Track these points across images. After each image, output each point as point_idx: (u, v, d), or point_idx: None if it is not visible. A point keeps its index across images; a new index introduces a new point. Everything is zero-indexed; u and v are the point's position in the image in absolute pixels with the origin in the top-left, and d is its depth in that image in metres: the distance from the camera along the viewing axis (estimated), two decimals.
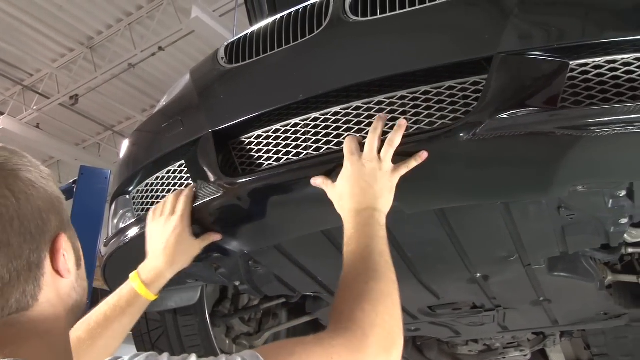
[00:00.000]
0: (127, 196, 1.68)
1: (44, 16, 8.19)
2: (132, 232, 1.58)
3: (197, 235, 1.37)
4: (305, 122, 1.32)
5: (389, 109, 1.23)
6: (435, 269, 1.65)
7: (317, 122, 1.30)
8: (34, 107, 9.77)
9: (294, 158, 1.30)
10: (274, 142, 1.36)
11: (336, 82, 1.28)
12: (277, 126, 1.36)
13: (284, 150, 1.33)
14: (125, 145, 1.78)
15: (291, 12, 1.45)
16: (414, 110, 1.20)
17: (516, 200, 1.28)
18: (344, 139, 1.25)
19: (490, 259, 1.55)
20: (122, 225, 1.66)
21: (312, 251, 1.58)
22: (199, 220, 1.38)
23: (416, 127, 1.19)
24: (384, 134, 1.14)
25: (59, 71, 9.31)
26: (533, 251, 1.49)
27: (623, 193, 1.19)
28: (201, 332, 2.06)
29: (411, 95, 1.22)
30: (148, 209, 1.59)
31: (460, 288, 1.77)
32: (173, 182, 1.53)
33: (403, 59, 1.23)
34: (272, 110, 1.36)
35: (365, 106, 1.26)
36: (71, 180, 4.85)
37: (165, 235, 1.34)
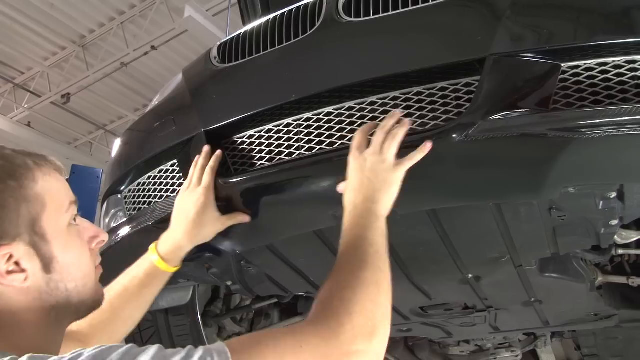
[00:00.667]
0: (119, 195, 1.68)
1: (36, 14, 8.14)
2: (124, 231, 1.57)
3: (223, 211, 1.33)
4: (297, 122, 1.32)
5: (381, 109, 1.23)
6: (427, 270, 1.66)
7: (310, 123, 1.30)
8: (25, 106, 9.71)
9: (287, 158, 1.30)
10: (267, 142, 1.35)
11: (329, 83, 1.28)
12: (270, 126, 1.36)
13: (277, 150, 1.33)
14: (117, 144, 1.78)
15: (284, 12, 1.45)
16: (406, 112, 1.20)
17: (508, 202, 1.28)
18: (336, 139, 1.25)
19: (481, 259, 1.55)
20: (113, 225, 1.65)
21: (304, 251, 1.58)
22: None
23: (409, 127, 1.19)
24: None
25: (50, 69, 9.26)
26: (524, 252, 1.49)
27: (614, 195, 1.20)
28: (193, 332, 2.05)
29: (404, 96, 1.22)
30: (140, 209, 1.59)
31: (452, 289, 1.78)
32: (165, 181, 1.52)
33: (396, 59, 1.24)
34: (264, 110, 1.35)
35: (358, 107, 1.26)
36: None
37: (188, 207, 1.30)
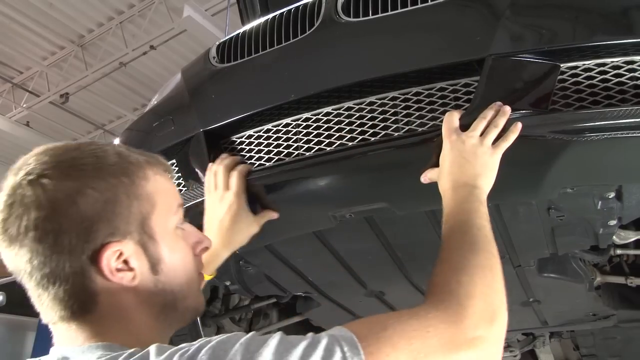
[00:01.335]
0: None
1: (35, 13, 8.12)
2: None
3: (255, 212, 1.30)
4: (296, 122, 1.32)
5: (380, 109, 1.23)
6: (426, 270, 1.64)
7: (309, 123, 1.30)
8: (24, 105, 9.68)
9: (285, 158, 1.30)
10: (265, 142, 1.35)
11: (328, 83, 1.28)
12: (269, 126, 1.36)
13: (275, 150, 1.33)
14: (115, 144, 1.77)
15: (283, 12, 1.45)
16: (405, 112, 1.20)
17: (506, 202, 1.29)
18: (335, 139, 1.25)
19: None
20: None
21: (303, 251, 1.58)
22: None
23: (407, 128, 1.19)
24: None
25: (49, 69, 9.23)
26: (523, 252, 1.49)
27: (612, 195, 1.20)
28: (191, 331, 2.04)
29: (403, 97, 1.22)
30: None
31: None
32: None
33: (395, 60, 1.24)
34: (263, 110, 1.35)
35: (357, 107, 1.26)
36: None
37: (221, 214, 1.26)
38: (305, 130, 1.30)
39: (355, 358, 0.68)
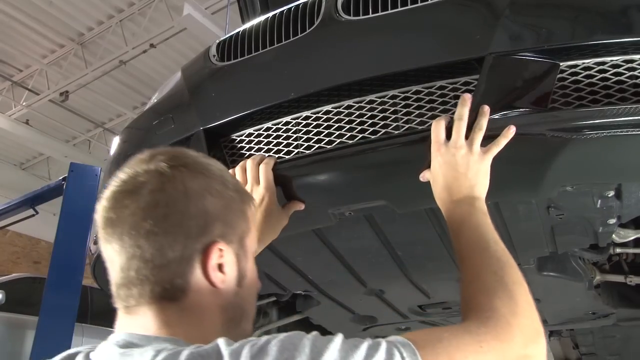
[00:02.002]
0: None
1: (34, 11, 8.12)
2: None
3: (282, 205, 1.29)
4: (296, 120, 1.32)
5: (380, 108, 1.23)
6: (426, 268, 1.66)
7: (309, 121, 1.30)
8: (24, 103, 9.68)
9: (285, 157, 1.30)
10: (266, 140, 1.36)
11: (328, 81, 1.28)
12: (269, 124, 1.36)
13: (275, 148, 1.33)
14: (116, 142, 1.77)
15: (283, 11, 1.45)
16: (405, 110, 1.21)
17: (506, 200, 1.29)
18: (335, 137, 1.25)
19: None
20: None
21: (303, 250, 1.58)
22: None
23: (407, 126, 1.19)
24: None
25: (49, 67, 9.23)
26: (522, 251, 1.50)
27: (611, 193, 1.20)
28: None
29: (402, 95, 1.22)
30: None
31: (450, 287, 1.78)
32: None
33: (394, 58, 1.24)
34: (263, 109, 1.36)
35: (357, 105, 1.26)
36: (61, 178, 4.82)
37: None
38: (305, 129, 1.30)
39: None
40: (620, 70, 1.06)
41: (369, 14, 1.30)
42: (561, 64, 1.09)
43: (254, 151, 1.37)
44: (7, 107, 9.81)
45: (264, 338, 0.70)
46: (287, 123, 1.33)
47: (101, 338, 0.82)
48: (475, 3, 1.23)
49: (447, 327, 0.81)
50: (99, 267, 1.75)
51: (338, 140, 1.25)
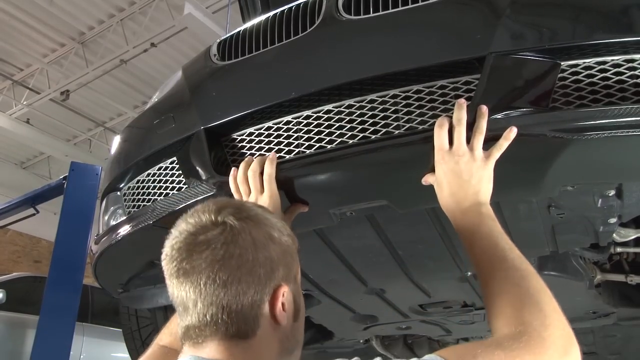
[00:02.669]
0: (118, 193, 1.68)
1: (35, 10, 8.11)
2: (123, 229, 1.57)
3: (286, 208, 1.30)
4: (297, 119, 1.32)
5: (381, 107, 1.23)
6: (426, 267, 1.66)
7: (310, 120, 1.30)
8: (24, 102, 9.67)
9: (286, 156, 1.30)
10: (266, 139, 1.36)
11: (329, 80, 1.28)
12: (270, 124, 1.36)
13: (276, 148, 1.33)
14: (116, 141, 1.78)
15: (284, 10, 1.45)
16: (406, 109, 1.21)
17: (507, 200, 1.29)
18: (336, 137, 1.25)
19: None
20: (112, 223, 1.65)
21: (304, 249, 1.57)
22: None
23: (408, 125, 1.19)
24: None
25: (49, 66, 9.22)
26: (523, 250, 1.47)
27: (612, 193, 1.20)
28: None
29: (403, 94, 1.22)
30: (139, 206, 1.59)
31: (451, 286, 1.78)
32: (164, 179, 1.52)
33: (395, 57, 1.24)
34: (264, 108, 1.36)
35: (358, 104, 1.26)
36: (61, 177, 4.82)
37: None
38: (306, 128, 1.30)
39: None
40: (621, 69, 1.06)
41: (369, 13, 1.30)
42: (562, 63, 1.09)
43: (255, 150, 1.37)
44: (7, 106, 9.81)
45: None
46: (288, 122, 1.33)
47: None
48: (476, 2, 1.23)
49: (480, 343, 0.82)
50: (100, 267, 1.75)
51: (339, 140, 1.25)
